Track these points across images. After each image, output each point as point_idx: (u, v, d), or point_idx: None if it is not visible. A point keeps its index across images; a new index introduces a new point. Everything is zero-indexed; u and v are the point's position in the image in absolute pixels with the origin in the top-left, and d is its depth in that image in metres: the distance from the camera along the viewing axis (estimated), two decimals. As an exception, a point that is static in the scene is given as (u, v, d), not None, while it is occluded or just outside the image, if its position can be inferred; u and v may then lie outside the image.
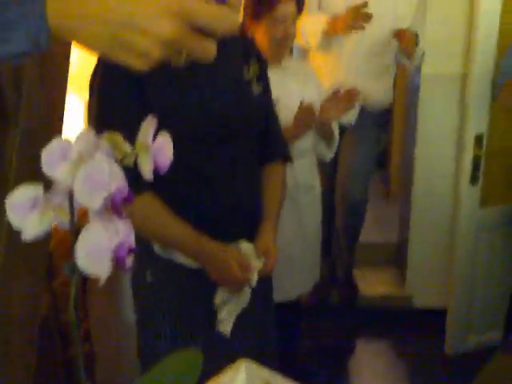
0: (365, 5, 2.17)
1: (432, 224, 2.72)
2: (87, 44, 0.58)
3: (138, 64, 0.57)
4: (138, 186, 0.59)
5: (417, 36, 2.30)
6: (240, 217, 1.37)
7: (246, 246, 1.35)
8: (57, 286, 1.80)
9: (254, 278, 1.34)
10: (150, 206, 1.24)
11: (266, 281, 1.50)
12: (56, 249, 1.59)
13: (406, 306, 2.89)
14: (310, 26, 2.35)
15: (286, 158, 1.56)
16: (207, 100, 1.27)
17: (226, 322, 1.35)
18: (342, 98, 1.96)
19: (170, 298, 1.37)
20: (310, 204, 2.13)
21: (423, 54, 2.45)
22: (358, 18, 2.17)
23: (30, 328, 1.09)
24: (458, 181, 2.38)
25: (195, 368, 0.65)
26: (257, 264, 1.35)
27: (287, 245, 1.89)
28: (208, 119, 1.27)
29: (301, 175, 2.05)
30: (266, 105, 1.46)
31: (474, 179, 2.26)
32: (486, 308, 2.52)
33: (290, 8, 1.89)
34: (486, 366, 1.33)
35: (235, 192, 1.35)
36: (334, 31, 2.32)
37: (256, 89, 1.39)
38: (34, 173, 1.13)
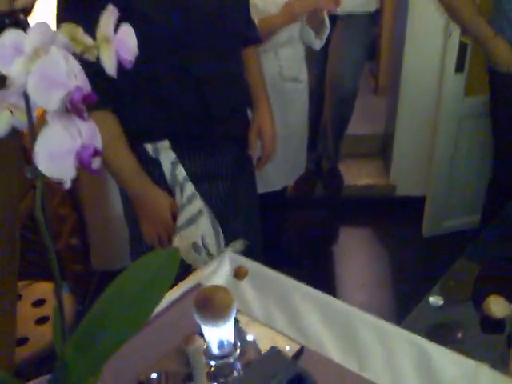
0: None
1: (419, 114, 2.70)
2: None
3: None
4: (98, 100, 0.54)
5: None
6: (227, 112, 1.34)
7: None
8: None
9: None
10: (106, 125, 1.17)
11: (249, 172, 1.51)
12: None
13: (390, 194, 2.95)
14: None
15: (258, 41, 1.53)
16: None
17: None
18: None
19: None
20: (296, 94, 2.08)
21: None
22: None
23: (10, 226, 1.08)
24: (444, 69, 2.33)
25: (173, 264, 0.66)
26: None
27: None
28: (195, 17, 1.20)
29: (286, 64, 1.99)
30: None
31: (459, 67, 2.22)
32: (464, 194, 2.58)
33: None
34: (450, 268, 1.41)
35: (223, 88, 1.30)
36: None
37: None
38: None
